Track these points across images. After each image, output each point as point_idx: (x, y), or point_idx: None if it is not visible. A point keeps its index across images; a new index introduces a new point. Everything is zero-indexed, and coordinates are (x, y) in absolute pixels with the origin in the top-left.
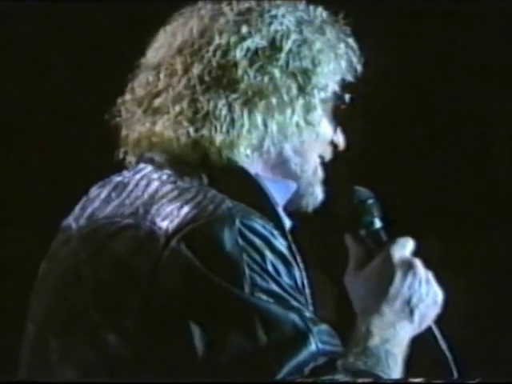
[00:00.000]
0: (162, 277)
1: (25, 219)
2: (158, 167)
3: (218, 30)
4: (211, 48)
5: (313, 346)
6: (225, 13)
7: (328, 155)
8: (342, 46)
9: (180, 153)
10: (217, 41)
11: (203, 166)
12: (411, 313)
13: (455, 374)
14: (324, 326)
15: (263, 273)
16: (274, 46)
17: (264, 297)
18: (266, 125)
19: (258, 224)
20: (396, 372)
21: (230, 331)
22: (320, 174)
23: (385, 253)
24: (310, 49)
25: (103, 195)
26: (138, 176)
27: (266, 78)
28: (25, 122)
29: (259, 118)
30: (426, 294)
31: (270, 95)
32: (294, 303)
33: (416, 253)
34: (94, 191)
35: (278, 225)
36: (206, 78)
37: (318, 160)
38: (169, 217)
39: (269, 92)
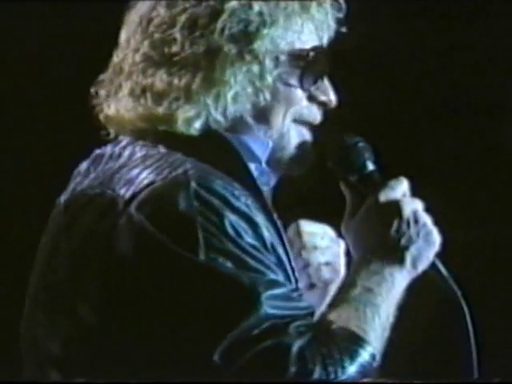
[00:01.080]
0: (119, 243)
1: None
2: (136, 138)
3: (164, 4)
4: (155, 22)
5: (261, 310)
6: None
7: (314, 116)
8: (313, 4)
9: (141, 127)
10: (161, 15)
11: (169, 135)
12: (402, 256)
13: (468, 318)
14: (281, 290)
15: (220, 234)
16: (213, 14)
17: (220, 259)
18: (202, 97)
19: (217, 184)
20: (374, 326)
21: (182, 294)
22: (295, 137)
23: (371, 198)
24: (252, 12)
25: (83, 169)
26: (115, 148)
27: (202, 48)
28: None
29: (194, 91)
30: (416, 235)
31: (207, 66)
32: (255, 265)
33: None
34: (80, 166)
35: (250, 184)
36: (151, 54)
37: (291, 124)
38: (127, 183)
39: (205, 63)
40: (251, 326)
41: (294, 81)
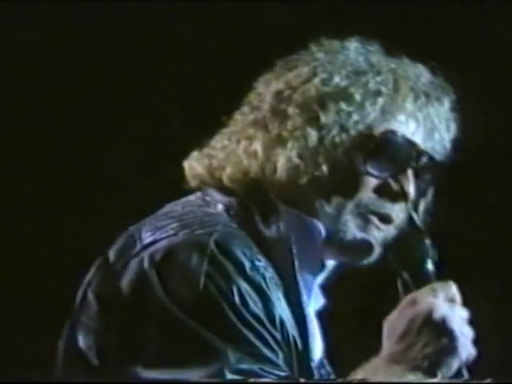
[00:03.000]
0: (122, 281)
1: None
2: (204, 194)
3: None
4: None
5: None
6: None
7: (382, 208)
8: (409, 94)
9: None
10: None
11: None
12: (417, 360)
13: None
14: (252, 367)
15: (222, 299)
16: (295, 81)
17: (210, 323)
18: (260, 158)
19: (237, 250)
20: None
21: (159, 345)
22: (353, 226)
23: (409, 296)
24: (330, 82)
25: None
26: (185, 199)
27: (270, 111)
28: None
29: (254, 150)
30: (438, 341)
31: (271, 128)
32: (250, 337)
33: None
34: None
35: (282, 261)
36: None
37: (353, 211)
38: (154, 230)
39: (271, 125)
40: None
41: (359, 163)
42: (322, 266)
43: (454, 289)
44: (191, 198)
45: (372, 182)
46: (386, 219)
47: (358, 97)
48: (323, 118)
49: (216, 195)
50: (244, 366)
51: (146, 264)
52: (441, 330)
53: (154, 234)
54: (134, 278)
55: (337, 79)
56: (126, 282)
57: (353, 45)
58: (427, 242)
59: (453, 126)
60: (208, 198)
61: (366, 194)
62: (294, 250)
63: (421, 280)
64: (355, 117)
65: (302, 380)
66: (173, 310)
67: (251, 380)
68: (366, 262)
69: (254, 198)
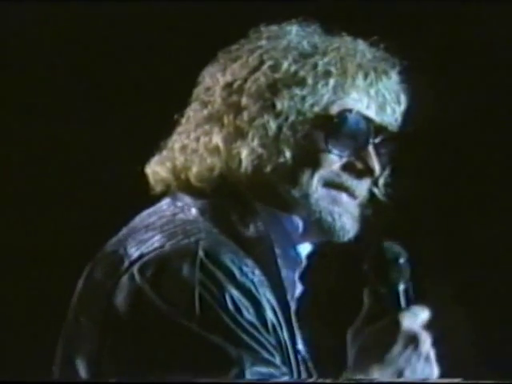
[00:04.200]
0: (118, 299)
1: None
2: (174, 199)
3: (212, 67)
4: (201, 87)
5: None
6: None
7: (349, 184)
8: (359, 72)
9: (167, 180)
10: (206, 80)
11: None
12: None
13: None
14: (267, 370)
15: (218, 307)
16: (243, 71)
17: (212, 330)
18: (221, 151)
19: (226, 257)
20: None
21: (169, 359)
22: (327, 203)
23: (394, 318)
24: (280, 69)
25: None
26: (155, 207)
27: (225, 104)
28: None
29: (214, 146)
30: (421, 371)
31: (229, 122)
32: (249, 342)
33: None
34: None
35: (267, 262)
36: (191, 114)
37: (322, 189)
38: (139, 244)
39: (227, 119)
40: None
41: (320, 143)
42: (300, 262)
43: (427, 314)
44: (162, 206)
45: (336, 161)
46: (352, 194)
47: (309, 80)
48: (279, 105)
49: (187, 199)
50: (260, 369)
51: (138, 279)
52: (426, 362)
53: (140, 248)
54: (128, 294)
55: (285, 64)
56: (120, 300)
57: (293, 28)
58: (402, 261)
59: (403, 98)
60: (179, 204)
61: (330, 170)
62: (276, 249)
63: (396, 298)
64: (310, 100)
65: (306, 380)
66: (179, 321)
67: (246, 379)
68: (346, 238)
69: (225, 196)
